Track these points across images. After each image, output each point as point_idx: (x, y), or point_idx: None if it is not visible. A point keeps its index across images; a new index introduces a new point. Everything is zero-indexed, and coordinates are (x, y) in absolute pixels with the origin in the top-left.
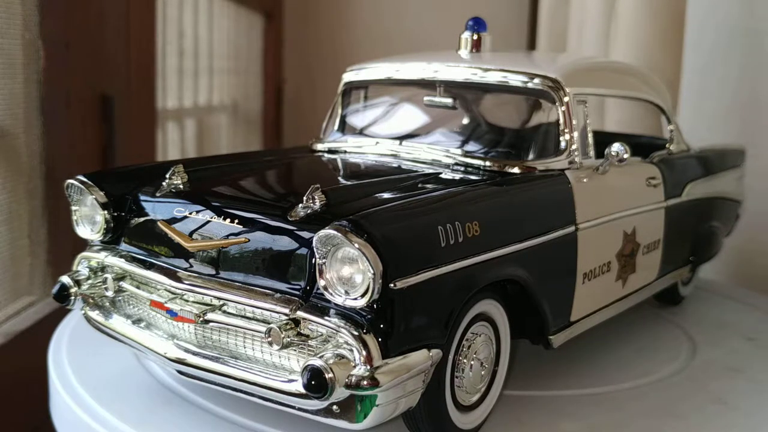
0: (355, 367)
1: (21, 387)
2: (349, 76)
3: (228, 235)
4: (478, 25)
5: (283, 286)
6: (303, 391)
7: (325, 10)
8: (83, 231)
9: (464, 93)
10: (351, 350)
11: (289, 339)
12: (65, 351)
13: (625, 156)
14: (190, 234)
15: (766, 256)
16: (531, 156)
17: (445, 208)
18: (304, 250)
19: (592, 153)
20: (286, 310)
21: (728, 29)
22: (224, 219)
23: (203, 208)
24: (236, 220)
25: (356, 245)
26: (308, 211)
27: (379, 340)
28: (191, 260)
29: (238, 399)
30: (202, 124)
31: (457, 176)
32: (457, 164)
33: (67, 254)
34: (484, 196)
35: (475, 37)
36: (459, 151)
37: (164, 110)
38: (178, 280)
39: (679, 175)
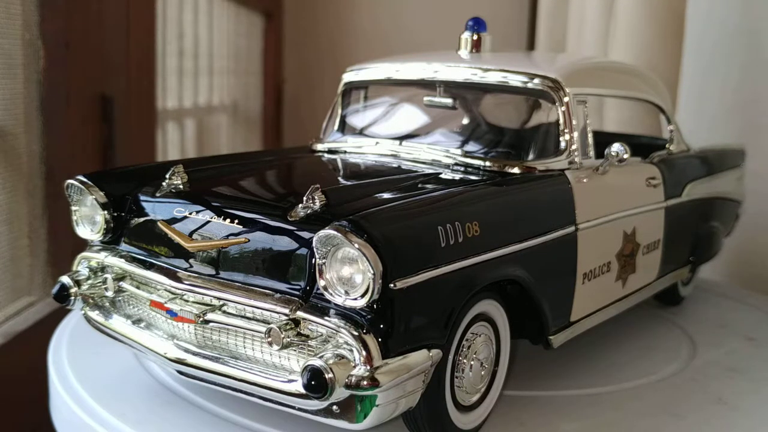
0: (355, 367)
1: (21, 387)
2: (349, 77)
3: (228, 236)
4: (478, 25)
5: (283, 286)
6: (303, 391)
7: (325, 10)
8: (83, 231)
9: (464, 93)
10: (351, 350)
11: (289, 339)
12: (65, 351)
13: (625, 156)
14: (190, 234)
15: (766, 256)
16: (531, 156)
17: (445, 209)
18: (304, 250)
19: (592, 153)
20: (286, 311)
21: (728, 29)
22: (224, 219)
23: (203, 208)
24: (236, 221)
25: (356, 245)
26: (308, 211)
27: (379, 340)
28: (191, 260)
29: (238, 399)
30: (202, 124)
31: (457, 176)
32: (457, 164)
33: (67, 254)
34: (484, 196)
35: (475, 37)
36: (459, 152)
37: (164, 110)
38: (178, 280)
39: (679, 175)
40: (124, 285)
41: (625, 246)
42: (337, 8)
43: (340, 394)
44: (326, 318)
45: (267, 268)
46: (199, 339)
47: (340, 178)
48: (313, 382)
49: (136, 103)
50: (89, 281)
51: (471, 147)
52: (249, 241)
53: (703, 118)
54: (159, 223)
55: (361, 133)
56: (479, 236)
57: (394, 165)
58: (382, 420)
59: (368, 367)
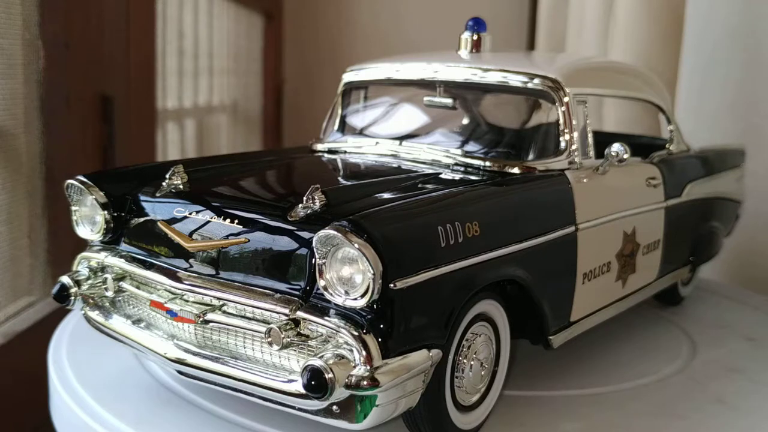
0: (355, 367)
1: (21, 387)
2: (349, 77)
3: (228, 236)
4: (478, 25)
5: (283, 287)
6: (303, 391)
7: (325, 11)
8: (83, 231)
9: (464, 93)
10: (351, 350)
11: (289, 339)
12: (65, 351)
13: (625, 156)
14: (190, 234)
15: (766, 256)
16: (531, 156)
17: (445, 209)
18: (304, 250)
19: (592, 153)
20: (286, 311)
21: (728, 29)
22: (224, 219)
23: (203, 208)
24: (236, 221)
25: (356, 245)
26: (308, 211)
27: (379, 340)
28: (191, 260)
29: (238, 399)
30: (202, 124)
31: (457, 176)
32: (457, 164)
33: (67, 254)
34: (484, 196)
35: (475, 37)
36: (459, 152)
37: (164, 110)
38: (178, 280)
39: (679, 175)
40: (124, 285)
41: (625, 246)
42: (337, 8)
43: (340, 394)
44: (326, 318)
45: (267, 268)
46: (199, 339)
47: (340, 178)
48: (313, 382)
49: (136, 103)
50: (89, 281)
51: (471, 147)
52: (249, 241)
53: (703, 118)
54: (159, 223)
55: (361, 133)
56: (479, 236)
57: (394, 165)
58: (382, 420)
59: (368, 367)
